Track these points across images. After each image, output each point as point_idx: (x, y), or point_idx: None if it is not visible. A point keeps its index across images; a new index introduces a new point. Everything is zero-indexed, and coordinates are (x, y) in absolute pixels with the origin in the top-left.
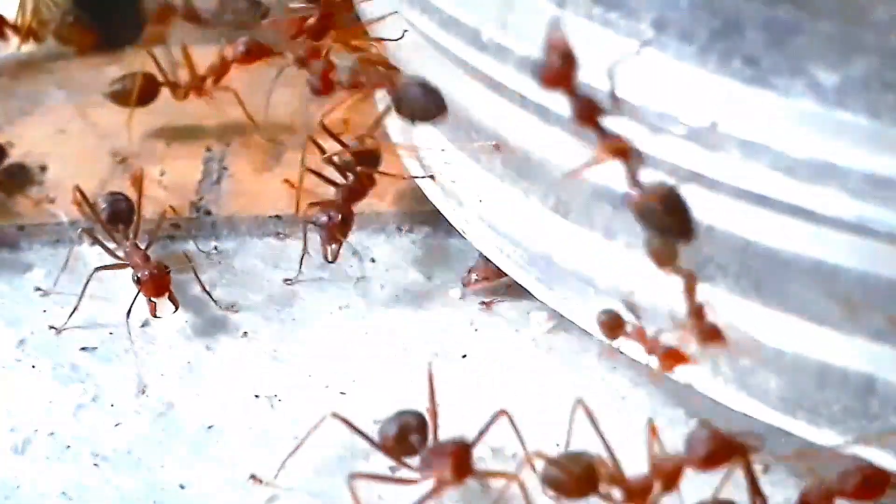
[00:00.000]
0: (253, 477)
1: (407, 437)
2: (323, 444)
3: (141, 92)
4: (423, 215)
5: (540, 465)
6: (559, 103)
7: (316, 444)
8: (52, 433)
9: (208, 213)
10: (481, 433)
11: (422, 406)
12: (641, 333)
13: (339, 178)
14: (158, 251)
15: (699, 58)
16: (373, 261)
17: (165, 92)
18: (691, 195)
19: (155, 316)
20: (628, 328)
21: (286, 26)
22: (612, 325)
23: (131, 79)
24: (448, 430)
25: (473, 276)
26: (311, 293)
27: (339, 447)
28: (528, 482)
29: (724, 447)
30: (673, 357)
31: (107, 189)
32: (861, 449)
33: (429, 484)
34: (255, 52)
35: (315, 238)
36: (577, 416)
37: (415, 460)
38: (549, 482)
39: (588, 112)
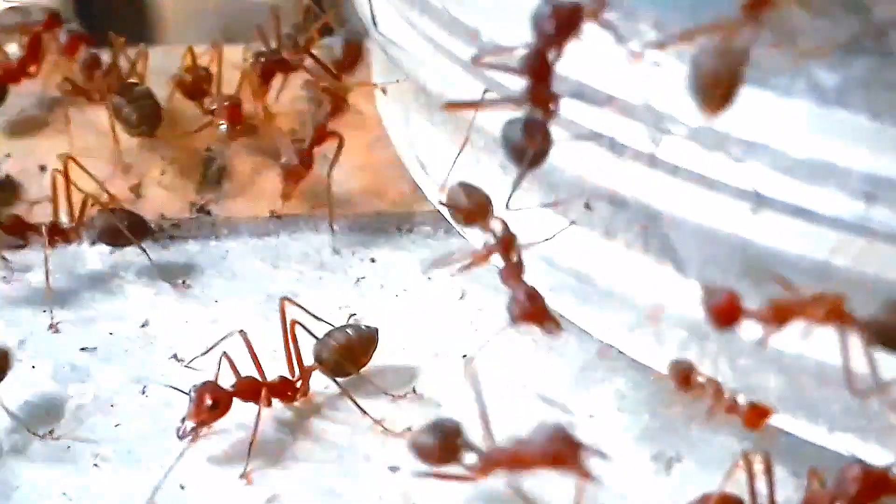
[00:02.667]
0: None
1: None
2: (323, 444)
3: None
4: (423, 215)
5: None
6: (559, 103)
7: (316, 444)
8: (52, 433)
9: (208, 213)
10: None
11: (425, 407)
12: (718, 390)
13: None
14: (159, 250)
15: None
16: (373, 261)
17: (162, 92)
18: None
19: None
20: (702, 381)
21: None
22: (685, 376)
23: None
24: None
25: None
26: (311, 293)
27: (338, 447)
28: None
29: None
30: (758, 413)
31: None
32: (861, 446)
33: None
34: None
35: (317, 239)
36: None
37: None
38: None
39: None
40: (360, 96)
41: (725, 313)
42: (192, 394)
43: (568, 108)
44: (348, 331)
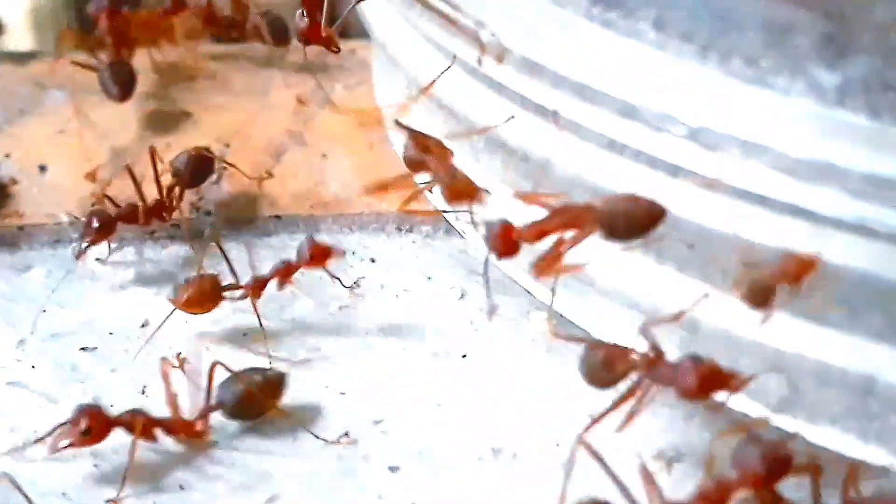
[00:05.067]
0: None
1: None
2: (322, 443)
3: None
4: (423, 215)
5: None
6: (559, 103)
7: (316, 445)
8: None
9: (208, 213)
10: None
11: (425, 407)
12: None
13: None
14: (158, 251)
15: (699, 58)
16: (373, 261)
17: (163, 92)
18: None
19: None
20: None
21: None
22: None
23: None
24: (446, 429)
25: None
26: (310, 293)
27: (338, 447)
28: None
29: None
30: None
31: (106, 190)
32: (861, 446)
33: None
34: None
35: (315, 237)
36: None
37: None
38: None
39: None
40: (361, 97)
41: (505, 240)
42: (74, 414)
43: (567, 107)
44: (255, 375)
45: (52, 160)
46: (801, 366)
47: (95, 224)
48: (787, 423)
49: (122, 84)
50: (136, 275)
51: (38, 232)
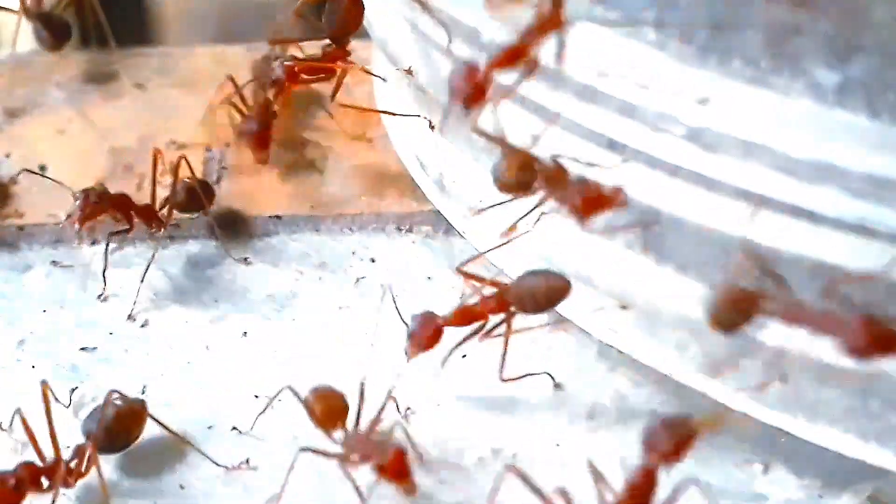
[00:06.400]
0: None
1: None
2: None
3: None
4: (423, 215)
5: None
6: (559, 103)
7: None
8: None
9: (208, 213)
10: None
11: (425, 407)
12: None
13: None
14: (158, 250)
15: (699, 58)
16: (373, 261)
17: (162, 93)
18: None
19: None
20: None
21: None
22: None
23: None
24: (448, 430)
25: None
26: (311, 293)
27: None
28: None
29: None
30: None
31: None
32: (861, 446)
33: None
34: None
35: (317, 239)
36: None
37: None
38: None
39: None
40: (361, 97)
41: (428, 335)
42: None
43: (569, 107)
44: (117, 402)
45: (52, 160)
46: (802, 366)
47: (94, 199)
48: (787, 422)
49: (53, 31)
50: (137, 275)
51: (38, 232)
